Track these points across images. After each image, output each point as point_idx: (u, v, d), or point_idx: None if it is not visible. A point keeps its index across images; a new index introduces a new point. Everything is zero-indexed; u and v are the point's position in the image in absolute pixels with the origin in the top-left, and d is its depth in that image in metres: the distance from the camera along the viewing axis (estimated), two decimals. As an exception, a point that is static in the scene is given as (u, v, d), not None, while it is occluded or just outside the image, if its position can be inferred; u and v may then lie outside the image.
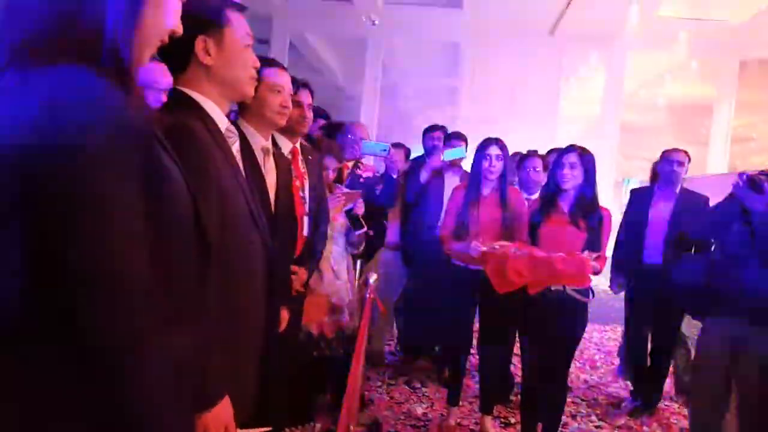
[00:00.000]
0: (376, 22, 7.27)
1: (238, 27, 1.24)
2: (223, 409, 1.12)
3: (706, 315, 2.52)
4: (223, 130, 1.26)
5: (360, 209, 2.81)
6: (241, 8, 1.28)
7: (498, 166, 2.79)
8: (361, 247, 2.92)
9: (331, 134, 3.25)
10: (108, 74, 0.75)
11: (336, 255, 2.82)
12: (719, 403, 2.41)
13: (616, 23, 6.91)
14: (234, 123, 1.83)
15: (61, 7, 0.74)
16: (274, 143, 2.05)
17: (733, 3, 6.48)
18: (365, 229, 2.79)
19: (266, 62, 1.80)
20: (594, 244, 2.56)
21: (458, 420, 3.01)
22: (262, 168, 1.83)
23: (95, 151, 0.69)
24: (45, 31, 0.73)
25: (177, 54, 1.18)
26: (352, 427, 2.76)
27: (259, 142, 1.84)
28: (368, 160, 4.11)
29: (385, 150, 3.10)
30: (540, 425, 2.72)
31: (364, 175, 3.21)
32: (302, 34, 8.72)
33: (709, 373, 2.42)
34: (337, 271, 2.75)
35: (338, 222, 2.82)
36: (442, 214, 3.07)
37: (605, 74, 8.34)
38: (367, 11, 7.35)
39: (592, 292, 2.63)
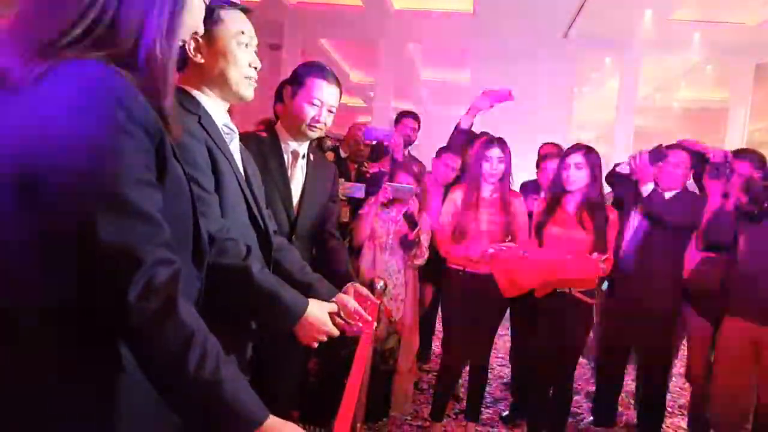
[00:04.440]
0: None
1: (232, 25, 1.24)
2: (310, 318, 1.24)
3: (721, 317, 2.50)
4: (220, 126, 1.28)
5: (414, 206, 2.77)
6: (242, 9, 1.28)
7: (499, 168, 2.71)
8: (418, 251, 2.80)
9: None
10: (133, 70, 0.78)
11: (391, 267, 2.80)
12: (742, 403, 2.39)
13: (630, 27, 6.86)
14: (271, 122, 1.88)
15: (102, 11, 0.77)
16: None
17: (749, 5, 6.40)
18: (418, 227, 2.75)
19: (316, 71, 1.79)
20: (600, 245, 2.54)
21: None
22: (288, 171, 1.88)
23: (106, 132, 0.72)
24: (80, 30, 0.75)
25: None
26: (358, 425, 2.77)
27: (290, 145, 1.88)
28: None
29: (388, 135, 3.11)
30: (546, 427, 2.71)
31: (371, 171, 3.22)
32: (315, 38, 8.78)
33: (730, 373, 2.40)
34: (389, 287, 2.67)
35: (392, 230, 2.80)
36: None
37: (619, 79, 8.28)
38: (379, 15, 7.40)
39: (597, 294, 2.61)
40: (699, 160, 2.74)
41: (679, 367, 3.45)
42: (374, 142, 3.26)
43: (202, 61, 1.24)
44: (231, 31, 1.24)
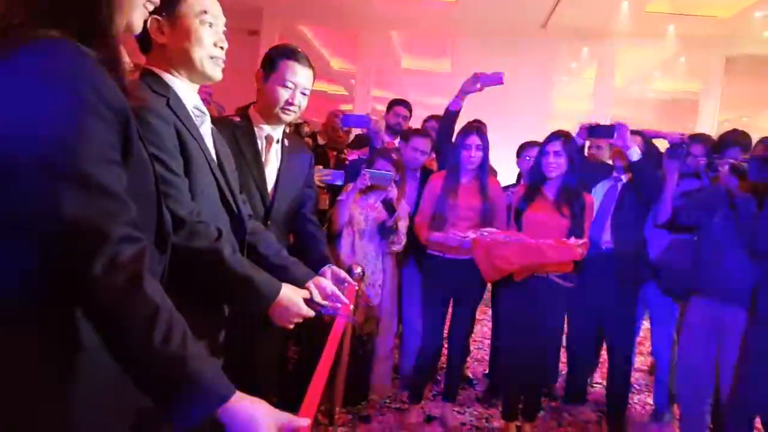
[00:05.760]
0: None
1: (195, 5, 1.22)
2: (283, 301, 1.26)
3: (689, 297, 2.60)
4: (190, 108, 1.26)
5: (393, 193, 2.81)
6: None
7: (477, 156, 2.76)
8: (396, 238, 2.84)
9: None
10: (91, 48, 0.78)
11: (369, 253, 2.83)
12: (705, 380, 2.49)
13: (608, 18, 6.96)
14: (245, 108, 1.88)
15: None
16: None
17: (720, -1, 6.54)
18: (396, 213, 2.79)
19: (288, 54, 1.78)
20: (577, 230, 2.62)
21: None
22: (263, 155, 1.87)
23: (71, 114, 0.73)
24: (40, 9, 0.75)
25: (139, 34, 1.17)
26: (337, 409, 2.82)
27: (264, 129, 1.86)
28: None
29: (365, 122, 3.12)
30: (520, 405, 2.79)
31: (350, 158, 3.25)
32: (294, 24, 8.70)
33: (695, 353, 2.50)
34: (367, 272, 2.71)
35: (371, 216, 2.83)
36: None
37: (596, 70, 8.40)
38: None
39: (574, 278, 2.69)
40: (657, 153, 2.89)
41: (647, 345, 3.57)
42: (352, 129, 3.28)
43: (166, 41, 1.22)
44: (194, 11, 1.22)
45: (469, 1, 7.11)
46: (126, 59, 0.87)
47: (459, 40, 8.56)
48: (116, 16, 0.81)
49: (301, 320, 1.32)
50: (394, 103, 3.65)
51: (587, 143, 3.14)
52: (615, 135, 2.69)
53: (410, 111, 3.63)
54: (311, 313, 1.33)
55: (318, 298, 1.41)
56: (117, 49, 0.81)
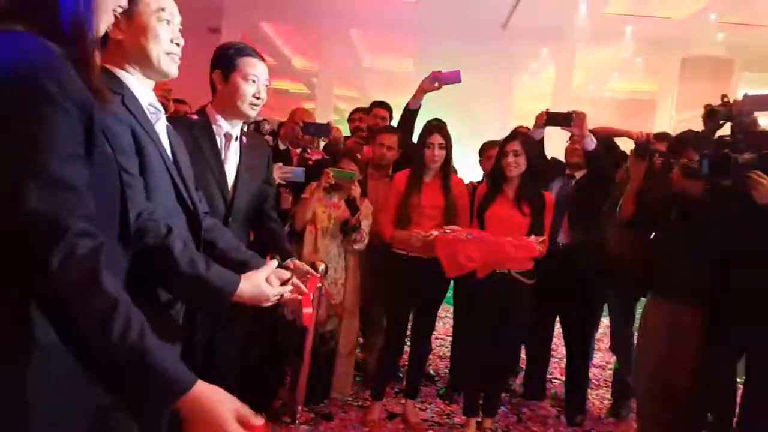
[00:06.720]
0: None
1: (152, 2, 1.23)
2: (245, 296, 1.22)
3: (645, 296, 2.66)
4: (145, 106, 1.25)
5: (357, 191, 2.80)
6: None
7: (440, 154, 2.77)
8: (359, 237, 2.80)
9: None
10: (59, 43, 0.78)
11: (331, 252, 2.81)
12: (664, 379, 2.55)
13: (566, 19, 7.12)
14: (204, 107, 1.87)
15: None
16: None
17: (676, 1, 6.76)
18: (359, 212, 2.77)
19: (242, 50, 1.85)
20: (537, 228, 2.67)
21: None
22: (222, 153, 1.89)
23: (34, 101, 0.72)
24: (3, 3, 0.76)
25: None
26: (299, 408, 2.80)
27: (223, 127, 1.88)
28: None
29: (325, 131, 3.11)
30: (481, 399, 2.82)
31: (313, 158, 3.22)
32: (255, 22, 8.60)
33: (653, 351, 2.56)
34: (329, 270, 2.70)
35: (334, 215, 2.81)
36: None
37: (555, 70, 8.57)
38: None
39: (534, 275, 2.73)
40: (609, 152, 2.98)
41: (606, 342, 3.65)
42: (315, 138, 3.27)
43: (122, 37, 1.22)
44: (151, 8, 1.22)
45: (431, 1, 7.15)
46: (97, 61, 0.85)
47: (420, 40, 8.61)
48: (92, 17, 0.81)
49: (275, 300, 1.29)
50: (374, 105, 3.67)
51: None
52: (572, 123, 2.75)
53: (390, 113, 3.64)
54: (284, 289, 1.30)
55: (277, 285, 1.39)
56: (90, 50, 0.81)
